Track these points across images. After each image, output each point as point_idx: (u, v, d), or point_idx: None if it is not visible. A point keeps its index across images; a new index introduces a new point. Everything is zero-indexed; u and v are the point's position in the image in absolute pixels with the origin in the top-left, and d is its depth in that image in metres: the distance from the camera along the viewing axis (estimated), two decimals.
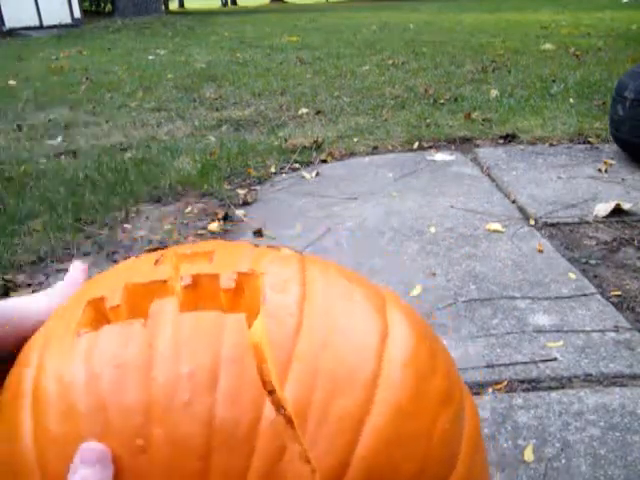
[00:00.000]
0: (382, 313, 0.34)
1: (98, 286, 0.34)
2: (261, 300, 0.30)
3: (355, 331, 0.31)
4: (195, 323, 0.29)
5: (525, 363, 0.93)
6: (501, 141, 2.19)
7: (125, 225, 1.60)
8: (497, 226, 1.44)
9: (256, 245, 0.36)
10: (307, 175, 1.92)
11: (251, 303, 0.31)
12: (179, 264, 0.33)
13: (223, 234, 1.52)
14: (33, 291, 1.20)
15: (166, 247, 0.38)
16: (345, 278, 0.35)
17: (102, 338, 0.29)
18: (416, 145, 2.18)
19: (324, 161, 2.05)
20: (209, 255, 0.34)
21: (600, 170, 1.81)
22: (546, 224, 1.46)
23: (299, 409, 0.28)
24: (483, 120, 2.44)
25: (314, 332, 0.30)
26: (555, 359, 0.93)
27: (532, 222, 1.47)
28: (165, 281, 0.32)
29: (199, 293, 0.32)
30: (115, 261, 1.41)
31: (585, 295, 1.12)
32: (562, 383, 0.88)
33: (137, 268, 0.35)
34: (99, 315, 0.31)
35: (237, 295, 0.32)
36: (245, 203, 1.72)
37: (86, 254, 1.43)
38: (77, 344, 0.29)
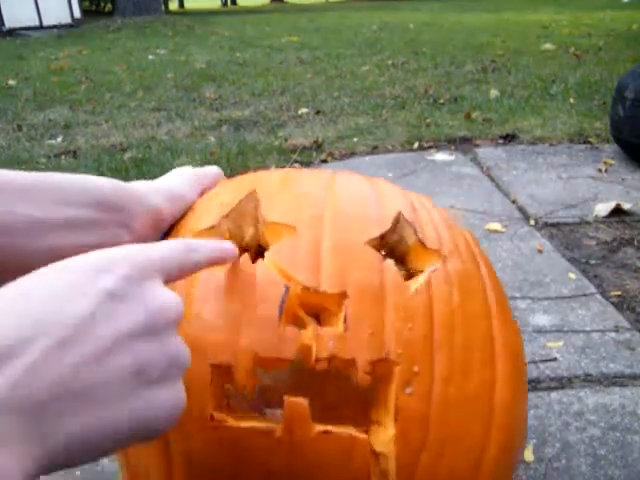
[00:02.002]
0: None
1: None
2: None
3: None
4: None
5: (525, 363, 0.93)
6: (501, 141, 2.19)
7: None
8: (497, 226, 1.44)
9: None
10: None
11: None
12: None
13: None
14: None
15: None
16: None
17: None
18: (416, 145, 2.18)
19: (324, 161, 2.05)
20: None
21: (600, 170, 1.81)
22: (546, 224, 1.46)
23: None
24: (483, 120, 2.44)
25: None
26: (555, 359, 0.93)
27: (532, 222, 1.47)
28: None
29: None
30: None
31: (585, 295, 1.12)
32: (562, 383, 0.88)
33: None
34: None
35: None
36: None
37: None
38: None
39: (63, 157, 2.23)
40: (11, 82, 3.90)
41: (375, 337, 0.37)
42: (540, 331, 1.01)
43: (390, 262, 0.41)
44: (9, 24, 7.98)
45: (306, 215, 0.43)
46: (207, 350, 0.37)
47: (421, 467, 0.37)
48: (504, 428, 0.42)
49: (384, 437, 0.37)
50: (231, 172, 1.97)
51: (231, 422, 0.36)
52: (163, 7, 10.56)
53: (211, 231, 0.44)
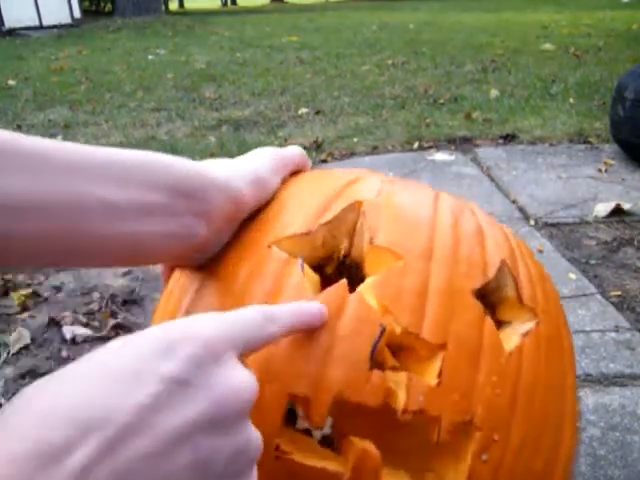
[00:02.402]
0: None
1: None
2: None
3: None
4: None
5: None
6: (501, 141, 2.19)
7: None
8: None
9: None
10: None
11: None
12: None
13: None
14: (33, 291, 1.20)
15: None
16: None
17: None
18: (416, 145, 2.18)
19: (324, 161, 2.05)
20: None
21: (600, 170, 1.81)
22: (546, 224, 1.46)
23: None
24: (483, 120, 2.44)
25: None
26: None
27: (532, 222, 1.47)
28: None
29: None
30: None
31: (585, 295, 1.12)
32: None
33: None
34: None
35: None
36: None
37: None
38: None
39: None
40: (11, 82, 3.90)
41: (465, 398, 0.35)
42: None
43: (490, 321, 0.39)
44: (9, 24, 7.97)
45: (416, 245, 0.39)
46: (288, 378, 0.34)
47: None
48: None
49: None
50: None
51: (297, 457, 0.34)
52: (163, 7, 10.56)
53: (306, 238, 0.40)
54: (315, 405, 0.34)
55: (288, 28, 7.15)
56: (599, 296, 1.12)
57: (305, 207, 0.41)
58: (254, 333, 0.29)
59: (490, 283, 0.40)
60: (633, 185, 1.68)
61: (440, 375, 0.35)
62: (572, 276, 1.19)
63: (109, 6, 13.50)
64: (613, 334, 0.99)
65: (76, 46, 6.00)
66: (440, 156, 2.04)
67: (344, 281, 0.37)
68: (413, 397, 0.34)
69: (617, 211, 1.47)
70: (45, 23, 8.38)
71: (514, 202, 1.61)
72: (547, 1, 9.53)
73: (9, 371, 0.97)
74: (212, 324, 0.28)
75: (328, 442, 0.36)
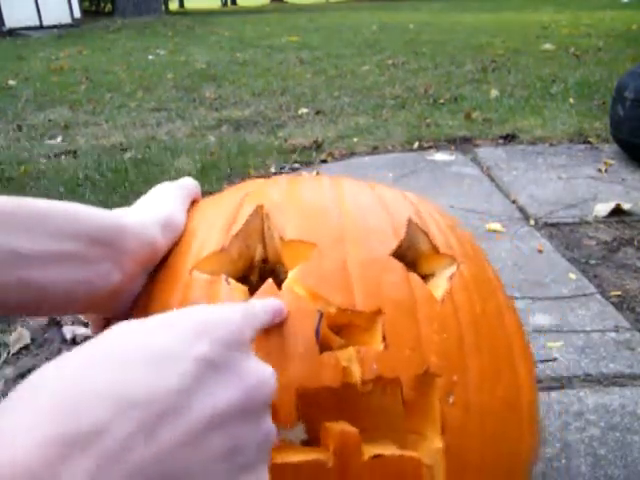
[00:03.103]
0: None
1: None
2: None
3: None
4: None
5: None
6: (501, 141, 2.19)
7: None
8: (497, 226, 1.44)
9: None
10: (307, 175, 1.91)
11: None
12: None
13: None
14: None
15: None
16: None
17: None
18: (416, 145, 2.18)
19: (324, 161, 2.05)
20: None
21: (600, 170, 1.81)
22: (546, 224, 1.46)
23: None
24: (483, 120, 2.44)
25: None
26: (555, 359, 0.93)
27: (532, 222, 1.47)
28: None
29: None
30: None
31: (585, 295, 1.12)
32: (562, 383, 0.88)
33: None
34: None
35: None
36: None
37: None
38: None
39: (63, 157, 2.23)
40: (11, 82, 3.90)
41: (415, 352, 0.37)
42: (540, 331, 1.01)
43: (415, 275, 0.41)
44: (9, 24, 7.97)
45: (325, 230, 0.41)
46: None
47: (467, 476, 0.37)
48: (532, 428, 0.42)
49: (430, 449, 0.36)
50: (231, 172, 1.97)
51: (278, 458, 0.34)
52: (163, 7, 10.56)
53: (222, 254, 0.41)
54: (281, 405, 0.34)
55: (288, 28, 7.15)
56: (599, 296, 1.12)
57: (214, 226, 0.43)
58: (257, 325, 0.31)
59: (403, 242, 0.43)
60: (633, 185, 1.68)
61: (384, 339, 0.36)
62: (572, 276, 1.19)
63: (109, 6, 13.50)
64: (613, 334, 0.99)
65: (76, 46, 6.00)
66: (440, 156, 2.04)
67: (270, 280, 0.38)
68: (367, 367, 0.35)
69: (617, 211, 1.47)
70: (45, 23, 8.38)
71: (514, 202, 1.61)
72: (547, 1, 9.52)
73: (9, 371, 0.97)
74: (240, 312, 0.28)
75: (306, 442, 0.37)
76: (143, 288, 0.42)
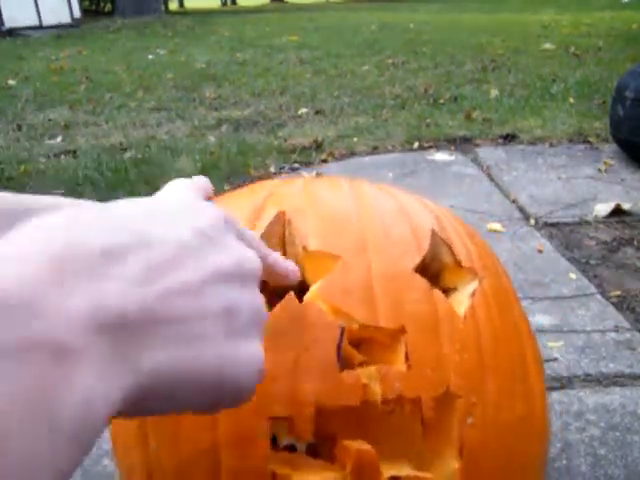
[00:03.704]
0: None
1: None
2: None
3: None
4: None
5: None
6: (501, 141, 2.19)
7: None
8: (497, 226, 1.44)
9: None
10: (307, 175, 1.92)
11: None
12: None
13: None
14: None
15: None
16: None
17: None
18: (416, 145, 2.18)
19: (324, 161, 2.05)
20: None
21: (600, 170, 1.81)
22: (546, 224, 1.46)
23: None
24: (483, 120, 2.44)
25: None
26: (555, 359, 0.93)
27: (532, 222, 1.47)
28: None
29: None
30: None
31: (585, 295, 1.12)
32: (562, 383, 0.88)
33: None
34: None
35: None
36: None
37: None
38: None
39: (63, 157, 2.23)
40: (11, 82, 3.90)
41: (436, 372, 0.36)
42: (540, 331, 1.01)
43: (438, 291, 0.40)
44: (9, 24, 7.97)
45: (349, 241, 0.40)
46: (264, 403, 0.34)
47: None
48: (544, 435, 0.42)
49: (446, 470, 0.36)
50: (231, 172, 1.97)
51: (296, 477, 0.34)
52: (163, 7, 10.56)
53: None
54: (299, 421, 0.34)
55: (288, 28, 7.15)
56: (599, 296, 1.12)
57: None
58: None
59: (426, 255, 0.42)
60: (633, 185, 1.68)
61: (407, 358, 0.36)
62: (572, 276, 1.19)
63: (109, 6, 13.49)
64: (613, 334, 0.99)
65: (76, 46, 5.99)
66: (440, 156, 2.04)
67: (291, 293, 0.37)
68: (389, 386, 0.35)
69: (617, 211, 1.47)
70: (45, 23, 8.37)
71: (514, 202, 1.61)
72: (547, 1, 9.52)
73: None
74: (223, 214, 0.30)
75: (312, 450, 0.36)
76: None
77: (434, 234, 0.43)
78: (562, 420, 0.80)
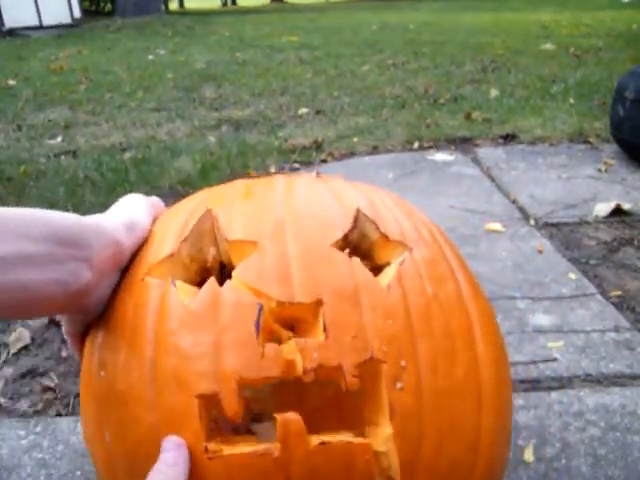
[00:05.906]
0: None
1: None
2: None
3: None
4: None
5: (525, 363, 0.93)
6: (501, 141, 2.19)
7: None
8: (497, 226, 1.44)
9: None
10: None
11: None
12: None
13: None
14: None
15: None
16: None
17: None
18: (416, 145, 2.18)
19: (324, 161, 2.05)
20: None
21: (600, 170, 1.81)
22: (546, 224, 1.46)
23: None
24: (483, 120, 2.44)
25: None
26: (555, 359, 0.93)
27: (532, 222, 1.47)
28: None
29: None
30: None
31: (585, 295, 1.12)
32: (562, 383, 0.88)
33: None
34: None
35: None
36: None
37: None
38: None
39: (63, 157, 2.23)
40: (11, 82, 3.90)
41: (358, 339, 0.37)
42: (540, 331, 1.01)
43: (357, 261, 0.41)
44: (9, 24, 7.97)
45: (266, 227, 0.42)
46: (190, 381, 0.36)
47: (422, 460, 0.38)
48: (494, 409, 0.42)
49: (382, 436, 0.37)
50: (231, 172, 1.97)
51: (227, 450, 0.35)
52: (163, 7, 10.56)
53: (172, 259, 0.43)
54: (225, 396, 0.35)
55: (288, 28, 7.15)
56: (599, 296, 1.12)
57: (168, 233, 0.45)
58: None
59: (353, 233, 0.43)
60: (633, 185, 1.68)
61: (325, 328, 0.37)
62: (572, 276, 1.19)
63: (109, 6, 13.48)
64: (613, 334, 0.99)
65: (76, 46, 6.00)
66: (440, 156, 2.04)
67: (212, 278, 0.40)
68: (308, 357, 0.36)
69: (617, 211, 1.47)
70: (45, 23, 8.37)
71: (514, 202, 1.61)
72: (547, 1, 9.52)
73: (9, 371, 0.97)
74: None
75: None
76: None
77: (358, 212, 0.44)
78: (562, 420, 0.80)
